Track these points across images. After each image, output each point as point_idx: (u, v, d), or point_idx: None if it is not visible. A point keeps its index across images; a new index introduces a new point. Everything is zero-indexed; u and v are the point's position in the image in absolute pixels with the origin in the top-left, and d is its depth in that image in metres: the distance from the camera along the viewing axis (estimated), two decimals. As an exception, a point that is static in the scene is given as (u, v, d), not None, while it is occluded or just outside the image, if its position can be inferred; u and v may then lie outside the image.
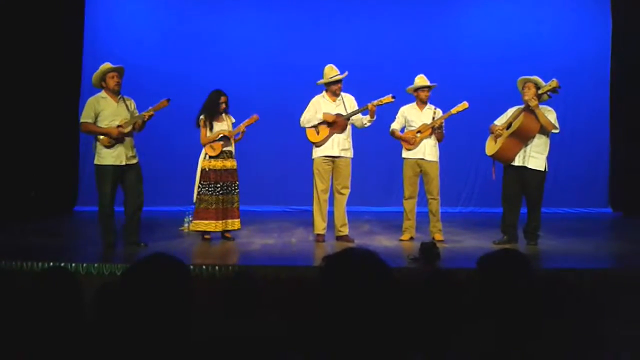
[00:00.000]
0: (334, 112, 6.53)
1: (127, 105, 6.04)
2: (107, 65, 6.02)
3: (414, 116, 6.73)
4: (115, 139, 5.88)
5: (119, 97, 6.03)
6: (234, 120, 6.58)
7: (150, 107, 6.03)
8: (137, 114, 6.06)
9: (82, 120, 5.99)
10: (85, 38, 9.56)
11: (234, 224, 6.50)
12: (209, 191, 6.40)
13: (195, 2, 9.93)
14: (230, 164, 6.49)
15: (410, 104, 6.81)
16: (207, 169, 6.43)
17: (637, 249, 6.34)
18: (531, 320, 2.04)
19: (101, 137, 5.91)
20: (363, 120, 6.55)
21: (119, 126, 5.92)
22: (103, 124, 5.92)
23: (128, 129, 5.96)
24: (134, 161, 6.06)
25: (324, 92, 6.63)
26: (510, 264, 2.16)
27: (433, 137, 6.67)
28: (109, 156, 5.91)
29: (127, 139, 6.00)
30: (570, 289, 4.48)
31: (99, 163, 5.95)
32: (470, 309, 2.45)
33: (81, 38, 9.52)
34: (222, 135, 6.41)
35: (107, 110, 5.94)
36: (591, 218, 9.36)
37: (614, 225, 9.08)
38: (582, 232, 7.47)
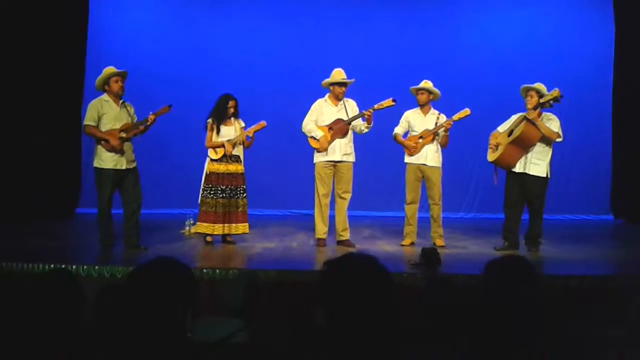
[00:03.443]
0: (335, 116, 6.54)
1: (127, 111, 6.08)
2: (111, 69, 6.05)
3: (416, 121, 6.72)
4: (112, 148, 5.89)
5: (121, 101, 6.06)
6: (243, 125, 6.58)
7: (151, 113, 6.06)
8: (136, 120, 6.10)
9: (85, 122, 6.02)
10: (88, 40, 9.58)
11: (238, 228, 6.47)
12: (210, 194, 6.41)
13: (198, 6, 9.95)
14: (235, 168, 6.49)
15: (414, 109, 6.81)
16: (209, 172, 6.46)
17: (638, 256, 6.33)
18: (532, 327, 2.04)
19: (102, 141, 5.94)
20: (361, 126, 6.55)
21: (121, 131, 5.95)
22: (105, 127, 5.95)
23: (130, 134, 6.00)
24: (133, 165, 6.10)
25: (326, 97, 6.64)
26: (517, 271, 2.16)
27: (435, 142, 6.66)
28: (110, 160, 5.93)
29: (128, 144, 6.03)
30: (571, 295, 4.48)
31: (99, 166, 5.97)
32: (472, 314, 2.45)
33: (84, 40, 9.53)
34: (222, 144, 6.41)
35: (109, 114, 5.97)
36: (593, 225, 9.34)
37: (616, 232, 9.06)
38: (584, 239, 7.46)
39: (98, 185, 6.02)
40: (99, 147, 5.96)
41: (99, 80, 6.05)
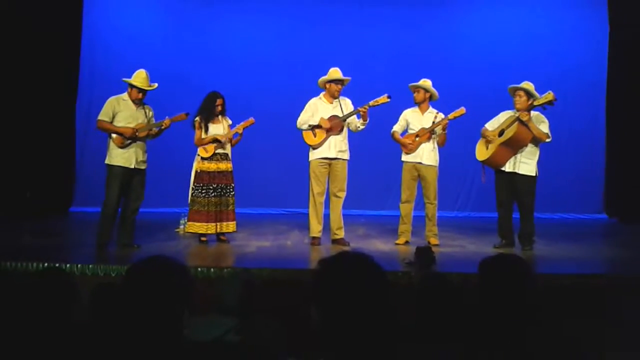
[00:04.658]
0: (330, 113, 6.54)
1: (145, 112, 6.09)
2: (142, 78, 6.00)
3: (414, 120, 6.72)
4: (129, 139, 5.90)
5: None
6: (230, 122, 6.58)
7: (167, 117, 6.08)
8: (154, 122, 6.10)
9: (99, 117, 6.01)
10: (84, 37, 9.56)
11: (229, 226, 6.48)
12: (201, 193, 6.39)
13: (192, 4, 9.94)
14: (225, 166, 6.48)
15: (413, 108, 6.81)
16: (200, 171, 6.43)
17: (632, 255, 6.35)
18: (526, 325, 2.05)
19: (114, 136, 5.94)
20: (357, 123, 6.55)
21: (135, 130, 5.96)
22: (119, 125, 5.95)
23: (143, 134, 5.99)
24: (143, 167, 6.10)
25: (321, 94, 6.64)
26: (511, 270, 2.17)
27: (432, 141, 6.65)
28: (120, 157, 5.94)
29: (140, 144, 6.04)
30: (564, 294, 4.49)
31: (109, 163, 5.98)
32: (469, 312, 2.46)
33: (79, 37, 9.51)
34: (215, 138, 6.40)
35: (125, 112, 5.98)
36: (587, 224, 9.38)
37: (610, 231, 9.10)
38: (578, 238, 7.48)
39: (107, 183, 6.00)
40: (111, 142, 5.97)
41: (129, 81, 6.01)
